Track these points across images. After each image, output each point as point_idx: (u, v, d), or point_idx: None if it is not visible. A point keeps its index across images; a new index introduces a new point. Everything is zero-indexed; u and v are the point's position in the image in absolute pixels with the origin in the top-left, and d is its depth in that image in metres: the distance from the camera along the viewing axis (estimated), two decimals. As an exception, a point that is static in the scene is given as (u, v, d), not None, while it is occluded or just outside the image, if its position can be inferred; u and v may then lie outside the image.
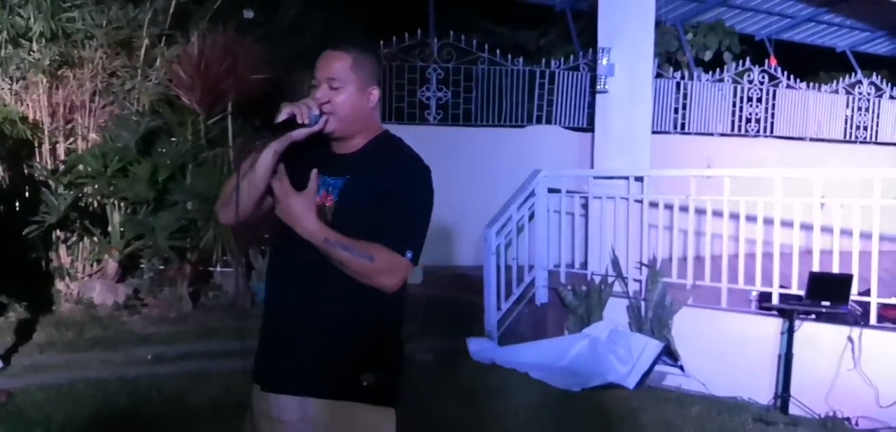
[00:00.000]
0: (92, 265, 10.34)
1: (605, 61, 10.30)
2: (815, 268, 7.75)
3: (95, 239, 10.21)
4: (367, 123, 3.11)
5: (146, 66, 10.75)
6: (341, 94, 3.04)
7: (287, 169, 2.99)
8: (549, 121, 13.72)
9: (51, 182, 10.10)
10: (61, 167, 10.28)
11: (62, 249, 10.31)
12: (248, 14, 11.97)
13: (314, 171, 2.95)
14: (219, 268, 10.92)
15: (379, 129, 3.16)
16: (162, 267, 10.46)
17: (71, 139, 10.50)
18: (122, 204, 10.27)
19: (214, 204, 10.03)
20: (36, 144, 10.25)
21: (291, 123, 2.96)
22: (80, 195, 10.16)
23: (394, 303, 3.06)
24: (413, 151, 3.13)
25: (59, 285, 10.16)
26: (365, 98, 3.08)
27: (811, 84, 16.14)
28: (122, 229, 10.18)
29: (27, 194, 10.15)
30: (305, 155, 3.04)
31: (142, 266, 10.39)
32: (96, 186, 10.13)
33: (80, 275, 10.30)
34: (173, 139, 10.47)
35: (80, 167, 10.15)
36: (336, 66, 3.05)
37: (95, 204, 10.40)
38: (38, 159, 10.23)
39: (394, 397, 3.09)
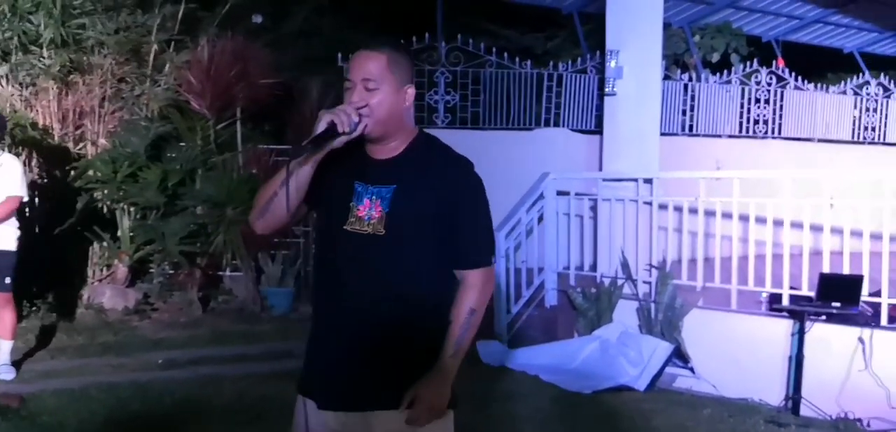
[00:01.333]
0: (102, 270, 10.38)
1: (613, 63, 10.29)
2: (826, 270, 7.73)
3: (105, 244, 10.24)
4: (403, 124, 3.02)
5: (155, 71, 10.83)
6: (377, 95, 2.93)
7: (322, 176, 2.94)
8: (557, 124, 13.70)
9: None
10: (71, 173, 10.33)
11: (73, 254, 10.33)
12: (257, 19, 12.04)
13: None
14: (228, 273, 10.96)
15: (415, 130, 3.08)
16: (172, 271, 10.52)
17: (81, 144, 10.55)
18: (132, 209, 10.32)
19: (224, 209, 10.06)
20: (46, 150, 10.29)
21: (332, 133, 2.88)
22: (90, 200, 10.20)
23: (446, 307, 3.01)
24: (457, 152, 3.07)
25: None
26: (401, 97, 2.98)
27: (819, 85, 16.11)
28: (132, 234, 10.23)
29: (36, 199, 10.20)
30: (340, 160, 2.98)
31: (152, 270, 10.46)
32: (106, 191, 10.18)
33: (91, 280, 10.34)
34: (183, 144, 10.54)
35: (90, 172, 10.20)
36: (371, 67, 2.95)
37: (105, 209, 10.44)
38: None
39: (455, 399, 3.06)
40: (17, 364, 7.92)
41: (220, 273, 10.96)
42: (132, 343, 9.05)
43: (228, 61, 10.43)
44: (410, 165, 2.99)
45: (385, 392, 2.93)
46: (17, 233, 7.57)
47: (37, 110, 10.25)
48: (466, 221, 2.98)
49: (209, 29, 10.91)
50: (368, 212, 2.94)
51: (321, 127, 2.87)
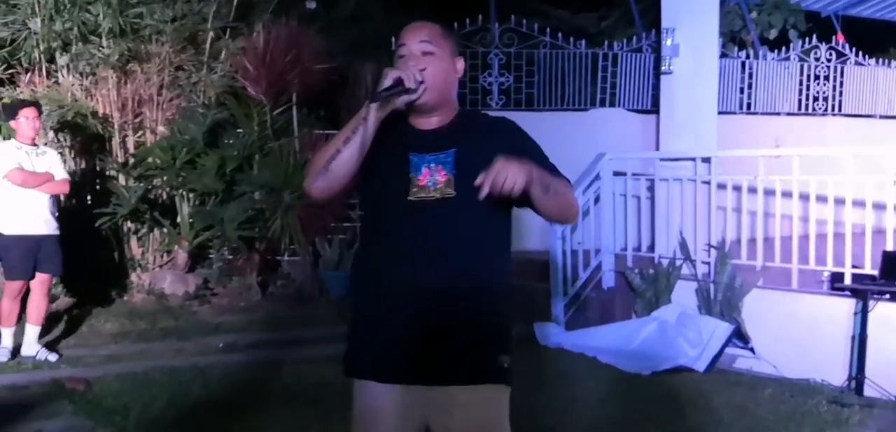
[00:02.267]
0: (162, 256, 10.51)
1: (669, 42, 10.21)
2: (889, 248, 7.60)
3: (165, 230, 10.37)
4: (452, 96, 3.04)
5: (211, 58, 10.91)
6: (435, 62, 2.93)
7: (371, 151, 2.90)
8: (612, 104, 13.62)
9: (121, 175, 10.28)
10: (131, 160, 10.48)
11: (133, 241, 10.49)
12: (311, 5, 12.08)
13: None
14: (286, 257, 11.03)
15: (457, 106, 3.08)
16: (230, 257, 10.63)
17: (140, 132, 10.68)
18: (190, 195, 10.44)
19: (282, 194, 10.12)
20: (106, 138, 10.44)
21: (398, 88, 2.85)
22: (150, 187, 10.34)
23: (507, 274, 3.03)
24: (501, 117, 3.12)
25: (132, 276, 10.34)
26: (454, 67, 3.01)
27: (881, 60, 15.82)
28: (191, 220, 10.34)
29: (97, 187, 10.35)
30: (388, 133, 2.93)
31: (211, 256, 10.56)
32: (165, 178, 10.31)
33: (151, 266, 10.47)
34: (239, 130, 10.63)
35: (150, 160, 10.35)
36: (427, 33, 2.98)
37: (165, 195, 10.60)
38: (109, 153, 10.42)
39: (511, 376, 3.03)
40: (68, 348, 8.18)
41: (278, 257, 11.03)
42: (192, 327, 9.16)
43: (283, 47, 10.47)
44: (462, 132, 2.99)
45: (465, 364, 2.90)
46: (56, 221, 7.95)
47: (97, 99, 10.38)
48: (538, 161, 2.90)
49: (264, 15, 10.97)
50: (431, 178, 2.91)
51: (388, 82, 2.84)
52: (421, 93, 2.89)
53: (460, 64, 3.04)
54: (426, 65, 2.91)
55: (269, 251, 10.78)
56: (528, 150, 2.94)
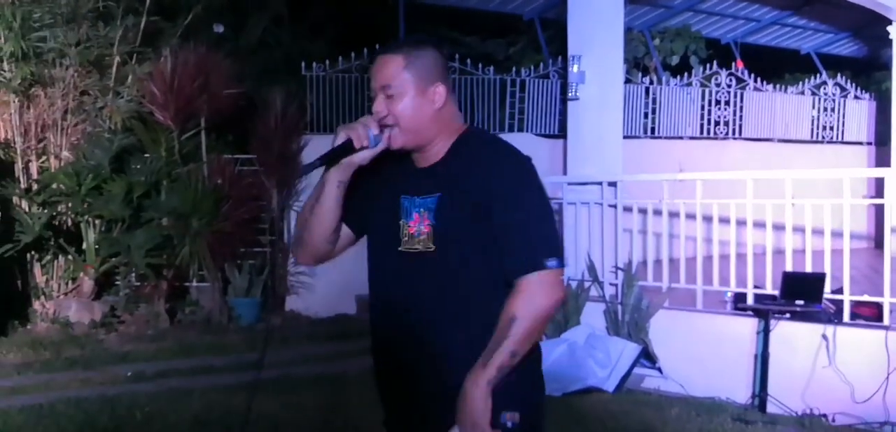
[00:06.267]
0: (67, 283, 10.31)
1: (575, 68, 10.38)
2: (788, 268, 7.84)
3: (70, 257, 10.18)
4: (441, 126, 2.74)
5: (118, 83, 10.76)
6: (399, 102, 2.69)
7: (363, 190, 2.78)
8: (520, 129, 13.80)
9: (24, 201, 10.06)
10: (35, 186, 10.26)
11: (37, 268, 10.27)
12: (219, 28, 12.02)
13: None
14: (195, 284, 10.91)
15: (461, 128, 2.79)
16: (138, 284, 10.48)
17: (43, 158, 10.48)
18: (96, 221, 10.26)
19: (190, 220, 9.98)
20: (8, 163, 10.21)
21: (348, 148, 2.68)
22: (55, 213, 10.14)
23: None
24: (507, 144, 2.76)
25: (35, 304, 10.11)
26: (428, 100, 2.71)
27: (778, 86, 16.36)
28: (97, 247, 10.16)
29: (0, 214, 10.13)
30: (386, 175, 2.78)
31: (117, 283, 10.40)
32: (70, 205, 10.13)
33: (56, 294, 10.26)
34: (147, 156, 10.49)
35: (54, 186, 10.15)
36: (387, 72, 2.70)
37: (70, 222, 10.39)
38: (12, 179, 10.18)
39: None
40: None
41: (187, 284, 10.91)
42: (99, 356, 8.99)
43: (191, 72, 10.38)
44: (452, 169, 2.71)
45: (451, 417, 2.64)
46: None
47: (-2, 124, 10.17)
48: (509, 218, 2.63)
49: (171, 40, 10.87)
50: (418, 227, 2.68)
51: (337, 141, 2.69)
52: (385, 143, 2.72)
53: (440, 90, 2.73)
54: (391, 107, 2.70)
55: (178, 278, 10.64)
56: (500, 204, 2.64)
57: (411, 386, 2.75)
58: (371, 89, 2.78)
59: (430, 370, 2.70)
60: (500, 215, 2.62)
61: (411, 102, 2.70)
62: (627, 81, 13.91)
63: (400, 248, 2.72)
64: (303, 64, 12.31)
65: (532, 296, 2.59)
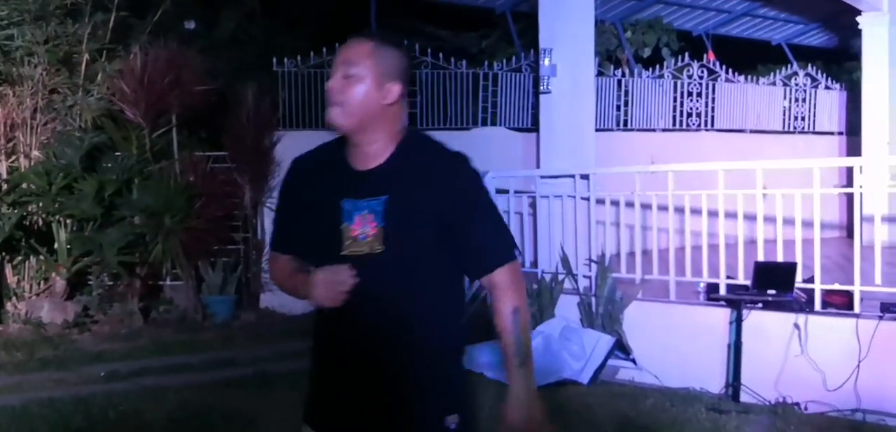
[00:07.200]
0: (39, 283, 10.24)
1: (547, 62, 10.38)
2: (760, 258, 7.90)
3: (42, 257, 10.10)
4: (384, 123, 2.76)
5: (88, 81, 10.68)
6: (355, 85, 2.71)
7: (303, 208, 2.82)
8: (494, 123, 13.80)
9: (-7, 202, 9.99)
10: (4, 186, 10.17)
11: (8, 269, 10.18)
12: (190, 25, 11.96)
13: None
14: (168, 282, 10.87)
15: (403, 132, 2.82)
16: (111, 283, 10.41)
17: (13, 157, 10.39)
18: (68, 221, 10.19)
19: (163, 217, 9.96)
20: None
21: None
22: (25, 214, 10.06)
23: (455, 322, 2.89)
24: (455, 150, 2.84)
25: (7, 305, 10.04)
26: (381, 93, 2.73)
27: (749, 77, 16.44)
28: (69, 246, 10.09)
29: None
30: (321, 180, 2.82)
31: (90, 283, 10.31)
32: (41, 204, 10.05)
33: (28, 295, 10.18)
34: (118, 154, 10.43)
35: (24, 185, 10.07)
36: (354, 53, 2.74)
37: (41, 222, 10.31)
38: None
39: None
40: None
41: (161, 282, 10.87)
42: (72, 356, 8.93)
43: (162, 69, 10.33)
44: (400, 171, 2.74)
45: (404, 425, 2.76)
46: None
47: (-34, 124, 10.07)
48: (474, 221, 2.77)
49: (141, 37, 10.80)
50: (362, 229, 2.69)
51: (315, 302, 2.77)
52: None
53: (395, 88, 2.77)
54: (343, 87, 2.72)
55: (151, 276, 10.59)
56: (474, 202, 2.80)
57: (360, 388, 2.76)
58: (332, 65, 2.81)
59: (383, 366, 2.74)
60: (465, 217, 2.75)
61: (365, 89, 2.73)
62: (599, 74, 13.93)
63: (342, 252, 2.71)
64: (274, 59, 12.26)
65: (516, 284, 2.84)
